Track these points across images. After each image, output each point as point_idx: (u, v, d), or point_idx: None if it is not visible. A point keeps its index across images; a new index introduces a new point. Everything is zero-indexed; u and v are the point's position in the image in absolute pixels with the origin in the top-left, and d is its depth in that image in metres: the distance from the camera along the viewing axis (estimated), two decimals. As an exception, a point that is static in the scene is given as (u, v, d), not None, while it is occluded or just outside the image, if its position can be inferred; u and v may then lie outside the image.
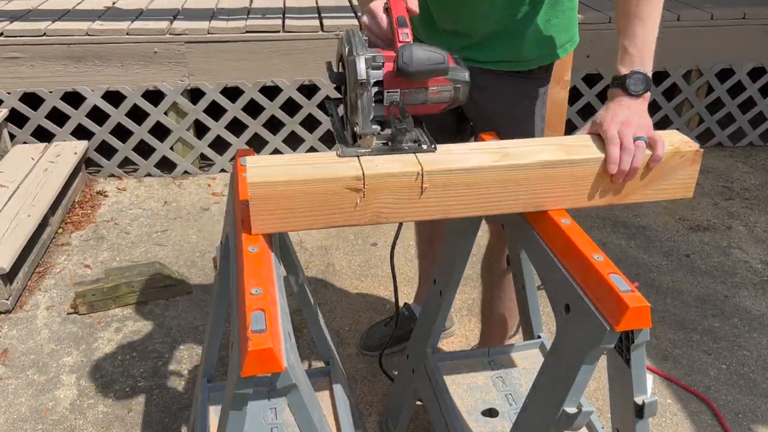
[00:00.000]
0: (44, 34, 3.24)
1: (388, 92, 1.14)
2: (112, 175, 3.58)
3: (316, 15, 3.61)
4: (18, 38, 3.22)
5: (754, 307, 2.59)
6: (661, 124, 3.80)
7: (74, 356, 2.30)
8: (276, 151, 3.63)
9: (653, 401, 1.08)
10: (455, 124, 1.79)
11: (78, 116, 3.40)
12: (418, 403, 1.87)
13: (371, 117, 1.13)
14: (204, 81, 3.40)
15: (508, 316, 1.95)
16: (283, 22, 3.45)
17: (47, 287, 2.66)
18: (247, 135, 3.55)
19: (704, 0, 3.85)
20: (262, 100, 3.47)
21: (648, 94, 1.23)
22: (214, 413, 1.59)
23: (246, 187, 1.06)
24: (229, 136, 3.56)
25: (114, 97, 3.38)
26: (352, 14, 3.61)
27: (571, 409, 1.08)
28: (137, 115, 3.42)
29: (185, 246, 2.95)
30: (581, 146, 1.20)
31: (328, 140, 3.66)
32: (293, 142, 3.65)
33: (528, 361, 1.72)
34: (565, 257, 1.12)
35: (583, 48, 1.66)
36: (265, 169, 1.07)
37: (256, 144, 3.58)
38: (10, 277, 2.50)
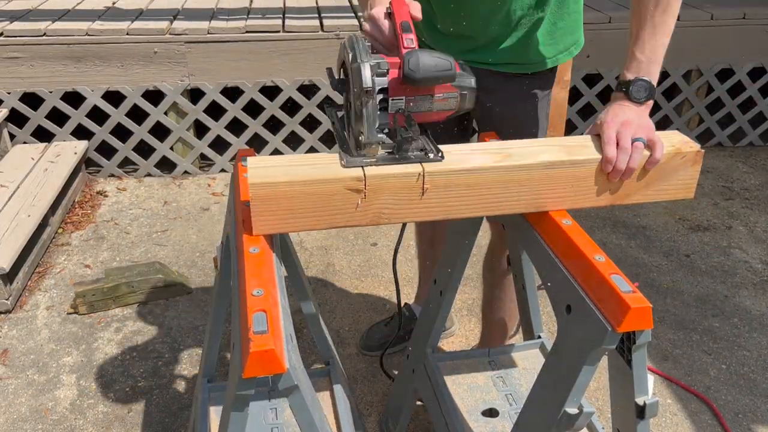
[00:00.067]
0: (44, 34, 3.24)
1: (393, 100, 1.11)
2: (112, 175, 3.58)
3: (316, 15, 3.61)
4: (18, 38, 3.22)
5: (754, 307, 2.59)
6: (661, 124, 3.80)
7: (74, 356, 2.30)
8: (276, 151, 3.63)
9: (654, 402, 1.08)
10: (457, 124, 1.79)
11: (78, 116, 3.39)
12: (418, 403, 1.87)
13: (376, 125, 1.10)
14: (204, 81, 3.40)
15: (509, 317, 1.95)
16: (283, 22, 3.44)
17: (47, 287, 2.65)
18: (247, 135, 3.55)
19: (704, 0, 3.85)
20: (262, 100, 3.47)
21: (650, 102, 1.24)
22: (214, 413, 1.59)
23: (247, 187, 1.06)
24: (229, 136, 3.56)
25: (114, 97, 3.38)
26: (352, 14, 3.60)
27: (572, 410, 1.08)
28: (137, 115, 3.42)
29: (185, 246, 2.95)
30: (582, 147, 1.20)
31: (328, 140, 3.66)
32: (293, 142, 3.65)
33: (528, 362, 1.72)
34: (566, 258, 1.12)
35: (584, 48, 1.66)
36: (266, 169, 1.07)
37: (256, 144, 3.57)
38: (10, 277, 2.50)
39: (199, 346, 2.34)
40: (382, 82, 1.10)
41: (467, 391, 1.64)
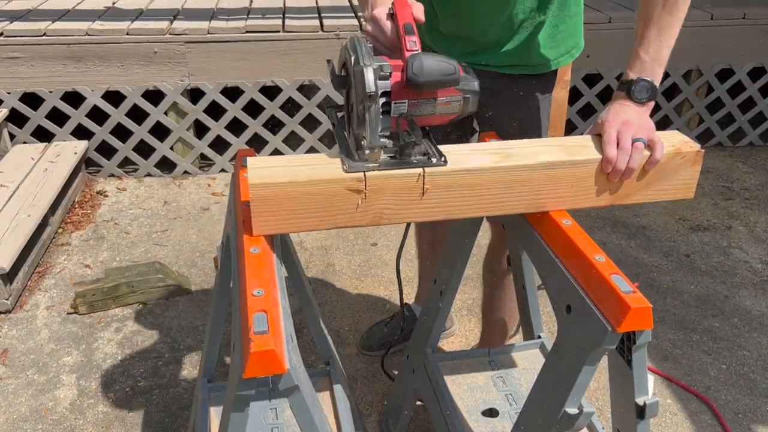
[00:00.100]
0: (44, 34, 3.24)
1: (395, 103, 1.09)
2: (112, 175, 3.58)
3: (316, 15, 3.61)
4: (18, 38, 3.22)
5: (754, 307, 2.59)
6: (661, 124, 3.81)
7: (74, 356, 2.30)
8: (276, 151, 3.63)
9: (654, 402, 1.08)
10: (457, 124, 1.79)
11: (78, 116, 3.39)
12: (418, 403, 1.88)
13: (379, 130, 1.08)
14: (204, 81, 3.40)
15: (509, 317, 1.95)
16: (283, 22, 3.45)
17: (47, 287, 2.66)
18: (247, 135, 3.55)
19: (704, 0, 3.85)
20: (262, 100, 3.47)
21: (652, 103, 1.24)
22: (214, 413, 1.59)
23: (247, 187, 1.06)
24: (229, 136, 3.56)
25: (114, 97, 3.38)
26: (352, 14, 3.61)
27: (572, 410, 1.08)
28: (137, 115, 3.42)
29: (185, 246, 2.95)
30: (582, 147, 1.21)
31: (328, 140, 3.66)
32: (293, 142, 3.65)
33: (528, 361, 1.72)
34: (566, 258, 1.12)
35: (584, 48, 1.66)
36: (266, 170, 1.07)
37: (256, 144, 3.57)
38: (10, 277, 2.50)
39: (199, 346, 2.34)
40: (385, 85, 1.08)
41: (467, 391, 1.64)
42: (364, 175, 1.08)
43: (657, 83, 1.23)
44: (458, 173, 1.11)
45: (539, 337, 1.72)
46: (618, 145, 1.17)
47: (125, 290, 2.53)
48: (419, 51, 1.11)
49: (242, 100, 3.46)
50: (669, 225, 3.17)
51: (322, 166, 1.10)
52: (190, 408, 2.06)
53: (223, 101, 3.45)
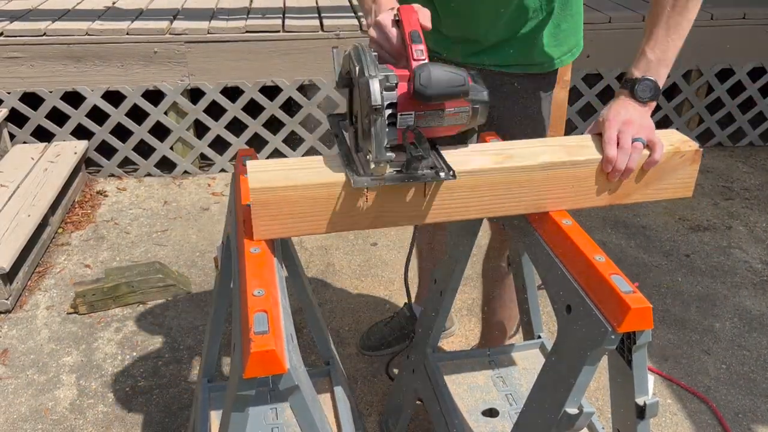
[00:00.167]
0: (44, 34, 3.24)
1: (402, 115, 1.05)
2: (112, 175, 3.58)
3: (316, 15, 3.61)
4: (18, 38, 3.22)
5: (754, 307, 2.59)
6: (661, 124, 3.80)
7: (74, 356, 2.30)
8: (276, 151, 3.63)
9: (654, 402, 1.08)
10: None
11: (78, 116, 3.39)
12: (418, 403, 1.88)
13: (385, 143, 1.03)
14: (204, 81, 3.40)
15: (509, 316, 1.95)
16: (283, 22, 3.44)
17: (47, 287, 2.65)
18: (247, 135, 3.55)
19: (704, 0, 3.84)
20: (262, 100, 3.47)
21: (654, 103, 1.23)
22: (214, 413, 1.59)
23: (247, 187, 1.06)
24: (229, 136, 3.56)
25: (114, 97, 3.37)
26: (353, 14, 3.61)
27: (572, 410, 1.08)
28: (137, 115, 3.41)
29: (185, 246, 2.95)
30: (582, 147, 1.21)
31: (328, 140, 3.66)
32: (293, 142, 3.65)
33: (528, 361, 1.72)
34: (566, 258, 1.12)
35: (584, 48, 1.66)
36: (266, 173, 1.07)
37: (256, 144, 3.57)
38: (10, 276, 2.50)
39: (199, 346, 2.34)
40: (391, 96, 1.04)
41: (467, 391, 1.64)
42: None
43: (661, 84, 1.23)
44: (459, 175, 1.11)
45: (539, 337, 1.72)
46: (618, 144, 1.17)
47: (125, 290, 2.53)
48: (426, 60, 1.07)
49: (242, 100, 3.46)
50: (669, 225, 3.17)
51: (322, 169, 1.09)
52: (190, 408, 2.06)
53: (223, 101, 3.45)
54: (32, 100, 3.34)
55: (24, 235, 2.61)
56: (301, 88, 3.50)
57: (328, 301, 2.61)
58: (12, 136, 3.41)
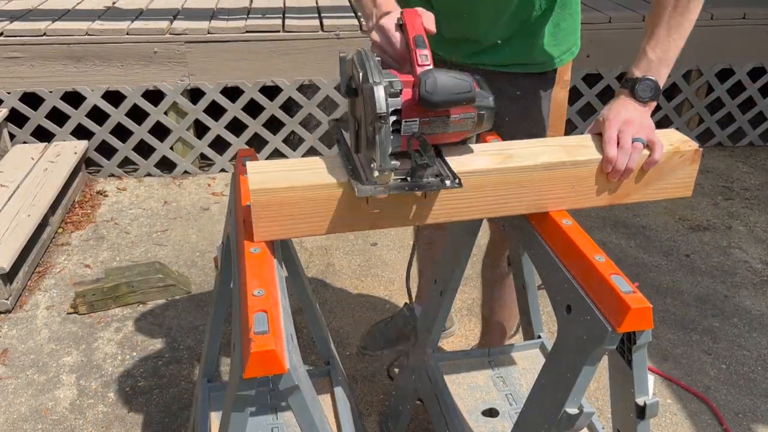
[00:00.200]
0: (44, 34, 3.24)
1: (406, 122, 1.03)
2: (112, 175, 3.58)
3: (316, 15, 3.61)
4: (18, 38, 3.22)
5: (754, 307, 2.59)
6: (662, 124, 3.80)
7: (74, 356, 2.30)
8: (276, 151, 3.63)
9: (655, 402, 1.08)
10: None
11: (78, 116, 3.39)
12: (418, 402, 1.88)
13: (390, 151, 1.02)
14: (204, 81, 3.40)
15: (509, 316, 1.95)
16: (283, 22, 3.44)
17: (47, 287, 2.65)
18: (247, 135, 3.55)
19: (705, 0, 3.84)
20: (262, 100, 3.47)
21: (654, 103, 1.23)
22: (214, 413, 1.59)
23: (247, 187, 1.06)
24: (229, 136, 3.56)
25: (114, 97, 3.37)
26: (352, 14, 3.61)
27: (572, 410, 1.08)
28: (137, 115, 3.41)
29: (185, 246, 2.95)
30: (582, 147, 1.21)
31: (328, 140, 3.66)
32: (293, 142, 3.65)
33: (528, 361, 1.72)
34: (566, 258, 1.12)
35: (583, 48, 1.66)
36: (266, 175, 1.07)
37: (256, 144, 3.57)
38: (10, 276, 2.50)
39: (199, 346, 2.34)
40: (395, 103, 1.02)
41: (467, 391, 1.64)
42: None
43: (661, 83, 1.23)
44: (460, 175, 1.11)
45: (539, 337, 1.72)
46: (618, 144, 1.17)
47: (125, 290, 2.53)
48: (431, 66, 1.05)
49: (242, 100, 3.46)
50: (669, 225, 3.17)
51: (322, 171, 1.09)
52: (190, 408, 2.06)
53: (223, 101, 3.45)
54: (32, 100, 3.34)
55: (24, 235, 2.61)
56: (301, 88, 3.50)
57: (328, 301, 2.61)
58: (12, 136, 3.41)
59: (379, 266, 2.84)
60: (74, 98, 3.36)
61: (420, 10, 1.14)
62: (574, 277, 1.08)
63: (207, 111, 3.47)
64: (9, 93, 3.30)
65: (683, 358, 2.32)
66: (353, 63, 1.06)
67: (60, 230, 3.04)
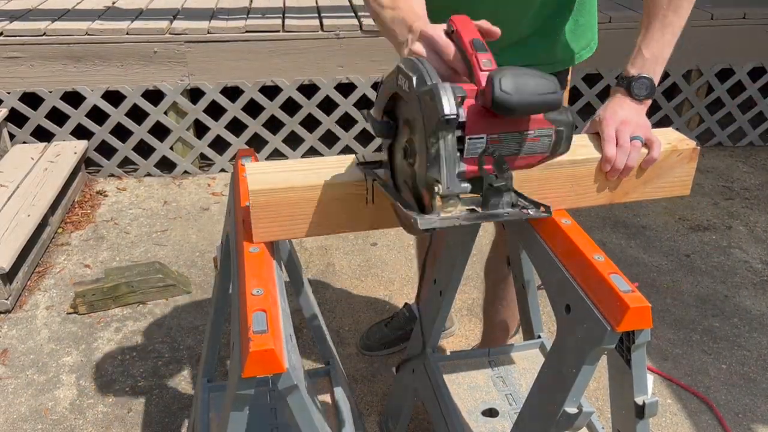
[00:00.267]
0: (44, 34, 3.24)
1: (470, 139, 0.84)
2: (112, 175, 3.58)
3: (316, 15, 3.61)
4: (18, 38, 3.22)
5: (754, 307, 2.59)
6: (661, 124, 3.80)
7: (74, 356, 2.30)
8: (276, 151, 3.63)
9: (654, 402, 1.08)
10: None
11: (78, 116, 3.39)
12: (418, 402, 1.88)
13: (457, 171, 0.82)
14: (204, 81, 3.40)
15: (510, 316, 1.95)
16: (283, 22, 3.45)
17: (47, 287, 2.66)
18: (247, 135, 3.55)
19: (704, 0, 3.85)
20: (262, 100, 3.47)
21: (649, 101, 1.24)
22: (214, 413, 1.59)
23: (247, 187, 1.06)
24: (229, 136, 3.56)
25: (114, 97, 3.38)
26: (353, 14, 3.61)
27: (571, 410, 1.08)
28: (137, 114, 3.42)
29: (185, 246, 2.95)
30: (581, 146, 1.21)
31: (329, 140, 3.66)
32: (293, 142, 3.65)
33: (528, 361, 1.72)
34: (565, 257, 1.12)
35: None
36: (266, 175, 1.06)
37: (256, 144, 3.58)
38: (9, 276, 2.50)
39: (199, 346, 2.34)
40: (461, 114, 0.83)
41: (467, 391, 1.64)
42: (366, 179, 1.07)
43: (656, 81, 1.24)
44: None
45: (539, 337, 1.72)
46: (617, 143, 1.18)
47: (125, 290, 2.53)
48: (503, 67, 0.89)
49: (242, 100, 3.46)
50: (669, 225, 3.17)
51: (322, 171, 1.09)
52: (190, 408, 2.06)
53: (223, 101, 3.45)
54: (32, 100, 3.34)
55: (24, 235, 2.61)
56: (301, 88, 3.50)
57: (328, 301, 2.61)
58: (12, 136, 3.41)
59: (379, 266, 2.83)
60: (74, 98, 3.36)
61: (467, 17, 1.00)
62: (574, 277, 1.08)
63: (207, 111, 3.48)
64: (9, 93, 3.30)
65: (683, 358, 2.32)
66: (400, 70, 0.88)
67: (60, 230, 3.04)
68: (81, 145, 3.38)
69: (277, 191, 1.04)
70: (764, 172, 3.71)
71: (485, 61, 0.89)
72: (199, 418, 1.57)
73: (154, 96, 3.41)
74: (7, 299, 2.47)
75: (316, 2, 3.91)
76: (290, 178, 1.06)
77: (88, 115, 3.40)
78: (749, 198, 3.43)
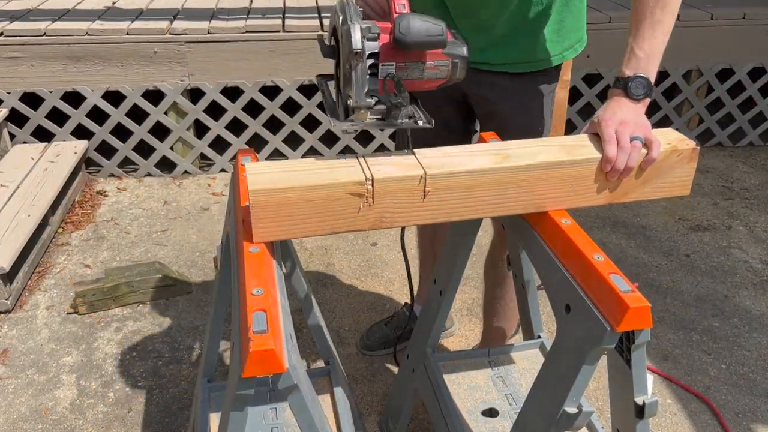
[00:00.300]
0: (44, 34, 3.24)
1: (383, 65, 1.10)
2: (112, 175, 3.58)
3: (316, 15, 3.61)
4: (18, 38, 3.22)
5: (754, 307, 2.59)
6: (661, 124, 3.80)
7: (74, 356, 2.30)
8: (276, 151, 3.63)
9: (654, 401, 1.08)
10: (462, 124, 1.79)
11: (78, 116, 3.40)
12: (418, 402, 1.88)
13: (366, 90, 1.08)
14: (204, 81, 3.40)
15: (510, 316, 1.95)
16: (283, 22, 3.45)
17: (47, 287, 2.66)
18: (247, 135, 3.55)
19: (704, 0, 3.85)
20: (262, 100, 3.47)
21: (648, 100, 1.24)
22: (214, 413, 1.59)
23: (247, 187, 1.06)
24: (229, 136, 3.56)
25: (114, 97, 3.38)
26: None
27: (571, 409, 1.08)
28: (137, 115, 3.42)
29: (185, 246, 2.95)
30: (581, 146, 1.21)
31: (328, 140, 3.66)
32: (293, 142, 3.65)
33: (528, 361, 1.72)
34: (565, 257, 1.12)
35: (584, 48, 1.67)
36: (266, 175, 1.07)
37: (256, 144, 3.58)
38: (10, 276, 2.50)
39: (199, 346, 2.35)
40: (373, 46, 1.08)
41: (467, 391, 1.64)
42: (366, 179, 1.07)
43: (652, 79, 1.24)
44: (459, 175, 1.11)
45: (539, 337, 1.72)
46: (617, 144, 1.18)
47: (125, 290, 2.53)
48: (408, 12, 1.11)
49: (242, 100, 3.46)
50: (669, 225, 3.17)
51: (322, 171, 1.09)
52: (190, 408, 2.06)
53: (223, 101, 3.45)
54: (32, 100, 3.34)
55: (24, 235, 2.61)
56: (301, 88, 3.50)
57: (328, 301, 2.61)
58: (12, 136, 3.41)
59: (379, 266, 2.84)
60: (74, 98, 3.36)
61: None
62: (573, 277, 1.09)
63: (207, 111, 3.48)
64: (9, 93, 3.30)
65: (683, 358, 2.32)
66: (335, 10, 1.13)
67: (60, 230, 3.04)
68: (81, 145, 3.38)
69: (277, 191, 1.04)
70: (764, 172, 3.71)
71: (400, 5, 1.13)
72: (199, 418, 1.57)
73: (154, 96, 3.41)
74: (7, 299, 2.48)
75: (316, 2, 3.92)
76: (290, 178, 1.06)
77: (89, 115, 3.41)
78: (749, 198, 3.43)
